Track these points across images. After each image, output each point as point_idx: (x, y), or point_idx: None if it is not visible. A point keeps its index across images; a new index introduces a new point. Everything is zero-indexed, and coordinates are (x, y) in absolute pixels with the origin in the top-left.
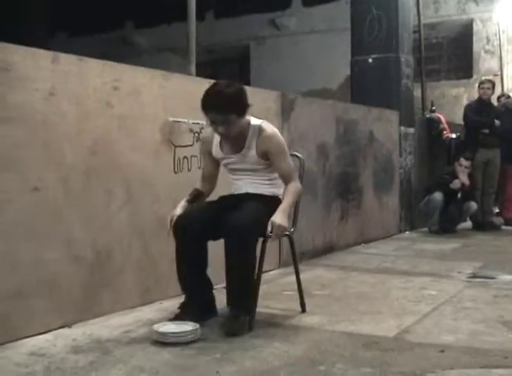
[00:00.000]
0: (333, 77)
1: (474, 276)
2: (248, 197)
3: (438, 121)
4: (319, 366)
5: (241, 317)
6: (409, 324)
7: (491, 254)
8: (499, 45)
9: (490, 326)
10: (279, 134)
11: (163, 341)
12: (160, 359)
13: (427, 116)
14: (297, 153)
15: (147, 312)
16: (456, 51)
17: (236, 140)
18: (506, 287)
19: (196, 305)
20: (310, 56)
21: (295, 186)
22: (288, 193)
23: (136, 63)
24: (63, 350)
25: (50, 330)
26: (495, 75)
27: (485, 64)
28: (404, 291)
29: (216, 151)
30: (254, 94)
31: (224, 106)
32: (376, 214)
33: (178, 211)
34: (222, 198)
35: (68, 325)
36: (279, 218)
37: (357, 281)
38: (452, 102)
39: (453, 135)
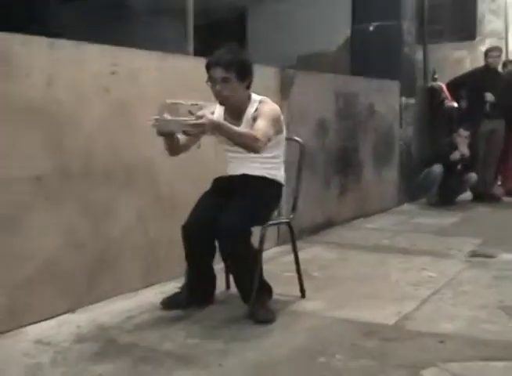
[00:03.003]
0: (331, 39)
1: (474, 254)
2: (244, 184)
3: (440, 90)
4: (319, 357)
5: (266, 305)
6: (409, 311)
7: (491, 230)
8: (505, 5)
9: (490, 312)
10: (276, 106)
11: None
12: (163, 349)
13: (429, 85)
14: (296, 138)
15: (149, 295)
16: (459, 11)
17: (235, 113)
18: (506, 268)
19: (199, 292)
20: (308, 17)
21: (254, 134)
22: (244, 130)
23: (130, 28)
24: (68, 338)
25: (55, 316)
26: (500, 38)
27: (490, 25)
28: (403, 272)
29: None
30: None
31: (228, 62)
32: (375, 187)
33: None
34: (218, 187)
35: (72, 310)
36: (211, 118)
37: (356, 261)
38: (454, 65)
39: (455, 104)
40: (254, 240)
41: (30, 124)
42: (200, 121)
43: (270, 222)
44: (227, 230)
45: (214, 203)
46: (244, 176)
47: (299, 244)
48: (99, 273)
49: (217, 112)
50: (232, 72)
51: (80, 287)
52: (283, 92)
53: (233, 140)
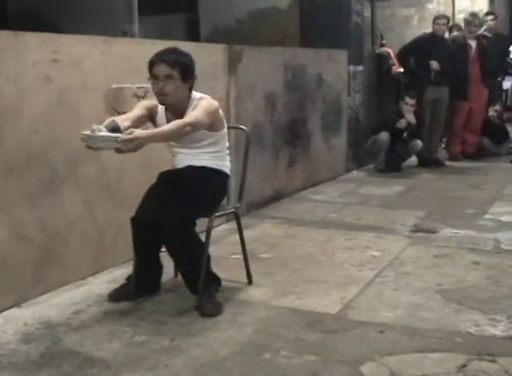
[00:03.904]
0: None
1: (417, 229)
2: (188, 175)
3: (388, 57)
4: (264, 353)
5: (213, 297)
6: (352, 297)
7: (434, 200)
8: None
9: (428, 297)
10: (214, 102)
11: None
12: (110, 348)
13: (377, 51)
14: (241, 126)
15: (96, 284)
16: None
17: (176, 113)
18: (446, 245)
19: (146, 283)
20: None
21: (180, 121)
22: (169, 124)
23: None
24: (14, 338)
25: (0, 312)
26: None
27: None
28: (348, 252)
29: (160, 121)
30: (200, 49)
31: (173, 60)
32: (324, 156)
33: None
34: (164, 180)
35: (18, 304)
36: (141, 131)
37: (303, 239)
38: (402, 23)
39: (402, 70)
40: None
41: None
42: (131, 137)
43: (216, 214)
44: (167, 226)
45: (159, 197)
46: (189, 168)
47: (247, 219)
48: (46, 264)
49: (159, 112)
50: (175, 70)
51: (26, 279)
52: (231, 68)
53: (168, 139)
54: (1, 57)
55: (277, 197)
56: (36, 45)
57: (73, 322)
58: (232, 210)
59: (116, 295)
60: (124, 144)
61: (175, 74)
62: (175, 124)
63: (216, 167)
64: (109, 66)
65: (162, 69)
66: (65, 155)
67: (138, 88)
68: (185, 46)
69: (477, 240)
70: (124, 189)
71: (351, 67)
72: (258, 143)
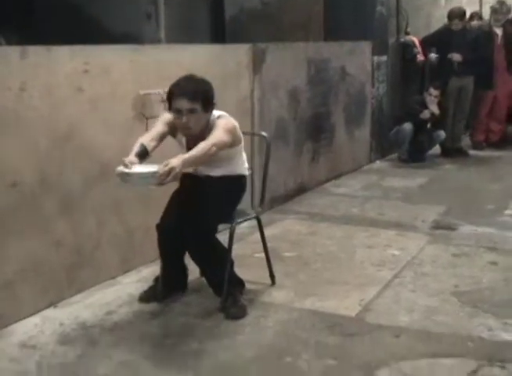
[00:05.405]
0: None
1: (437, 226)
2: (207, 185)
3: (413, 45)
4: (286, 357)
5: (238, 301)
6: (371, 298)
7: (456, 194)
8: None
9: (444, 299)
10: (232, 120)
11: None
12: (141, 351)
13: (401, 40)
14: (262, 133)
15: (126, 284)
16: None
17: (198, 139)
18: (465, 243)
19: (171, 283)
20: None
21: (206, 143)
22: (197, 148)
23: None
24: (52, 339)
25: (37, 312)
26: None
27: None
28: (369, 250)
29: (180, 137)
30: (224, 50)
31: (193, 92)
32: (347, 148)
33: (124, 166)
34: (185, 187)
35: (54, 304)
36: (175, 161)
37: (325, 236)
38: (430, 3)
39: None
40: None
41: (5, 134)
42: (167, 169)
43: (238, 220)
44: (189, 236)
45: (182, 205)
46: (208, 178)
47: (271, 214)
48: (78, 266)
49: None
50: (197, 103)
51: (61, 281)
52: (255, 67)
53: (198, 164)
54: (37, 72)
55: (300, 191)
56: (68, 58)
57: (107, 323)
58: (254, 215)
59: (145, 297)
60: (162, 179)
61: (198, 107)
62: (202, 148)
63: (235, 174)
64: (137, 73)
65: (184, 104)
66: (96, 161)
67: (165, 93)
68: (211, 49)
69: (496, 238)
70: (150, 192)
71: (375, 58)
72: (282, 139)
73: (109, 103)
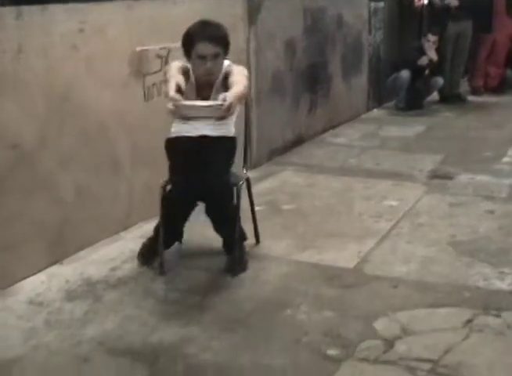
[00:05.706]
0: None
1: (434, 175)
2: (208, 144)
3: None
4: (286, 309)
5: (243, 256)
6: (368, 250)
7: (453, 142)
8: None
9: (441, 249)
10: (243, 67)
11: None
12: (146, 306)
13: None
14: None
15: (129, 239)
16: None
17: (209, 87)
18: (462, 193)
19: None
20: None
21: (242, 85)
22: (237, 87)
23: None
24: (59, 296)
25: (44, 269)
26: None
27: None
28: (366, 202)
29: (190, 87)
30: (220, 2)
31: (217, 37)
32: (344, 97)
33: (172, 93)
34: (185, 148)
35: (59, 261)
36: (230, 96)
37: (323, 188)
38: None
39: (425, 1)
40: None
41: (4, 96)
42: (228, 103)
43: (241, 182)
44: (216, 193)
45: (195, 164)
46: (205, 137)
47: (270, 166)
48: (82, 222)
49: (191, 76)
50: (220, 47)
51: (66, 237)
52: (251, 19)
53: (239, 103)
54: (32, 32)
55: (298, 142)
56: (63, 17)
57: (111, 279)
58: (247, 176)
59: (144, 259)
60: (226, 111)
61: (220, 51)
62: (242, 89)
63: (228, 134)
64: (133, 29)
65: (208, 49)
66: (95, 119)
67: (161, 48)
68: (206, 2)
69: (493, 187)
70: (149, 150)
71: (372, 4)
72: (279, 91)
73: (105, 61)
